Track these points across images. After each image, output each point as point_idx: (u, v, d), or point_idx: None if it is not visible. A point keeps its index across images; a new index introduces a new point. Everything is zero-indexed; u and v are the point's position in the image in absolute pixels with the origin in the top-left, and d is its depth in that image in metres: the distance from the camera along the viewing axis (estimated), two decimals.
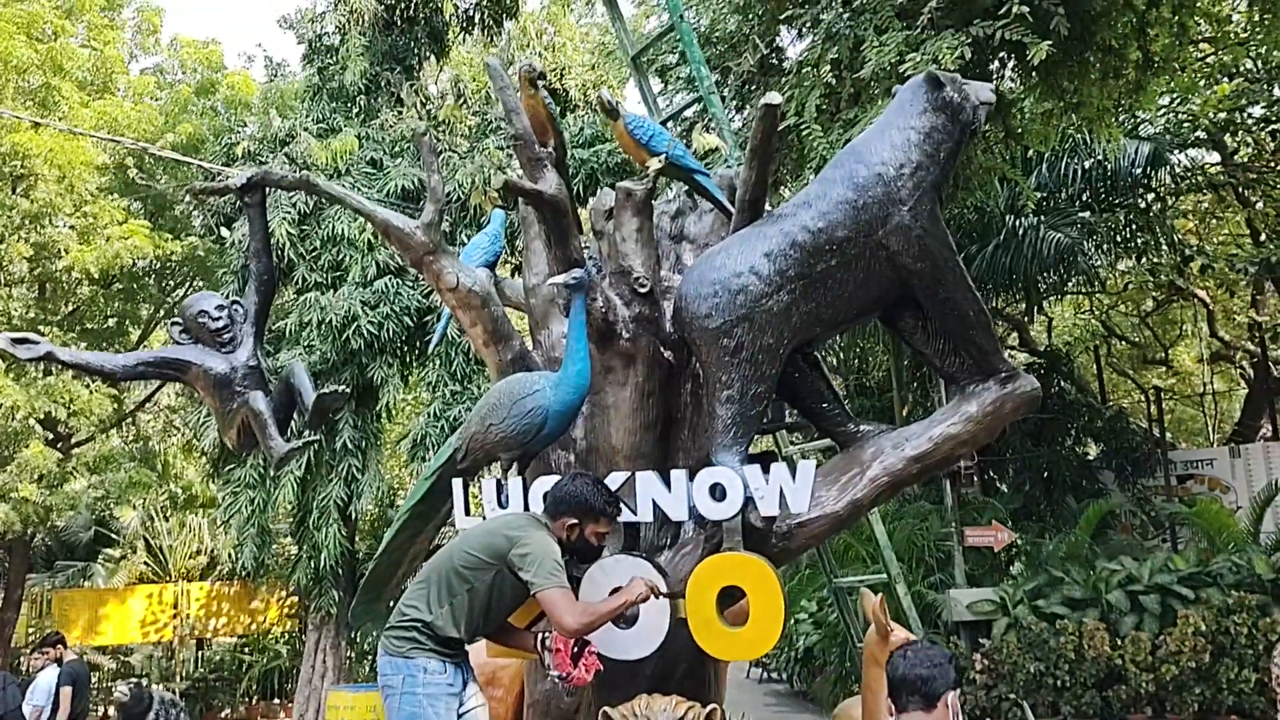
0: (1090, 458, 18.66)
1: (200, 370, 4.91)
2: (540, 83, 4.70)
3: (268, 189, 5.20)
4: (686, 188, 5.17)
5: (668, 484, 4.14)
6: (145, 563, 22.12)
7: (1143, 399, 25.19)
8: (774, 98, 4.23)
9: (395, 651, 3.89)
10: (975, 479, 16.65)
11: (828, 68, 9.09)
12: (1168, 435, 26.15)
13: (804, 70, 9.39)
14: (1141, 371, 26.10)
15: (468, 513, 4.43)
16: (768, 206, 4.65)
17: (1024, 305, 19.20)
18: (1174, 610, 12.89)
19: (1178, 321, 25.39)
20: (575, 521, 3.98)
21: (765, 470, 4.01)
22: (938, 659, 3.12)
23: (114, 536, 22.42)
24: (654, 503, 4.15)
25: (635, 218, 4.54)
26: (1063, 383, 19.01)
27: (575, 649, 3.83)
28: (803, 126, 9.05)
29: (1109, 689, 12.80)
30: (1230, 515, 15.33)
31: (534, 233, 4.95)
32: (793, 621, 17.72)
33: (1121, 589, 13.50)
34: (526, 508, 4.26)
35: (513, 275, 10.86)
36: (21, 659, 17.93)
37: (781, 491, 3.98)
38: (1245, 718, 12.13)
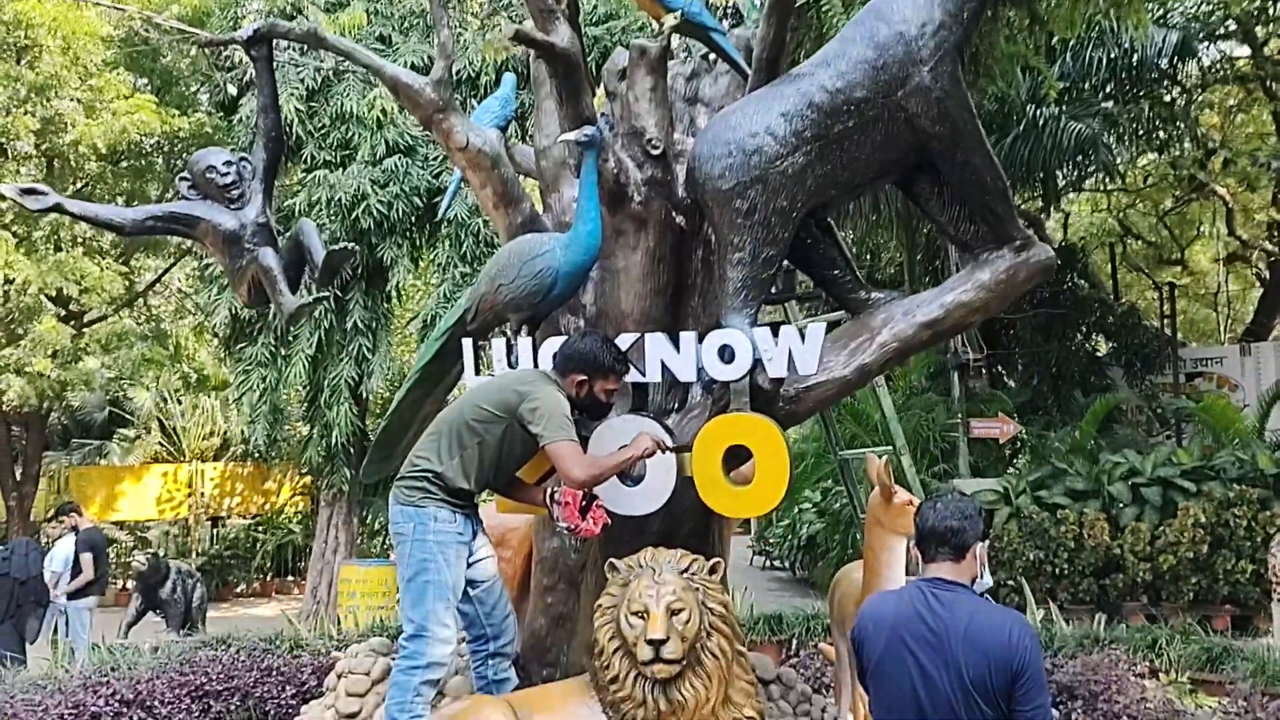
0: (1100, 354, 18.64)
1: (209, 226, 4.88)
2: None
3: (275, 44, 5.10)
4: (703, 49, 5.03)
5: (676, 346, 4.13)
6: (160, 443, 22.41)
7: (1155, 299, 25.10)
8: None
9: (406, 500, 3.94)
10: (984, 372, 16.64)
11: None
12: (1179, 335, 26.14)
13: None
14: (1157, 271, 25.91)
15: (478, 373, 4.44)
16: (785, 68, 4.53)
17: (1041, 200, 18.96)
18: (1175, 503, 13.03)
19: (1195, 220, 25.09)
20: (584, 378, 4.00)
21: (774, 333, 4.00)
22: (968, 511, 3.10)
23: (128, 417, 22.69)
24: (663, 364, 4.15)
25: (649, 76, 4.44)
26: (1076, 279, 18.88)
27: (583, 502, 3.87)
28: (822, 1, 8.81)
29: (1106, 577, 13.02)
30: (1237, 411, 15.40)
31: (545, 92, 4.84)
32: (795, 510, 18.01)
33: (1124, 481, 13.63)
34: (536, 368, 4.26)
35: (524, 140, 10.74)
36: (41, 533, 18.34)
37: (790, 353, 3.97)
38: (1239, 606, 12.34)
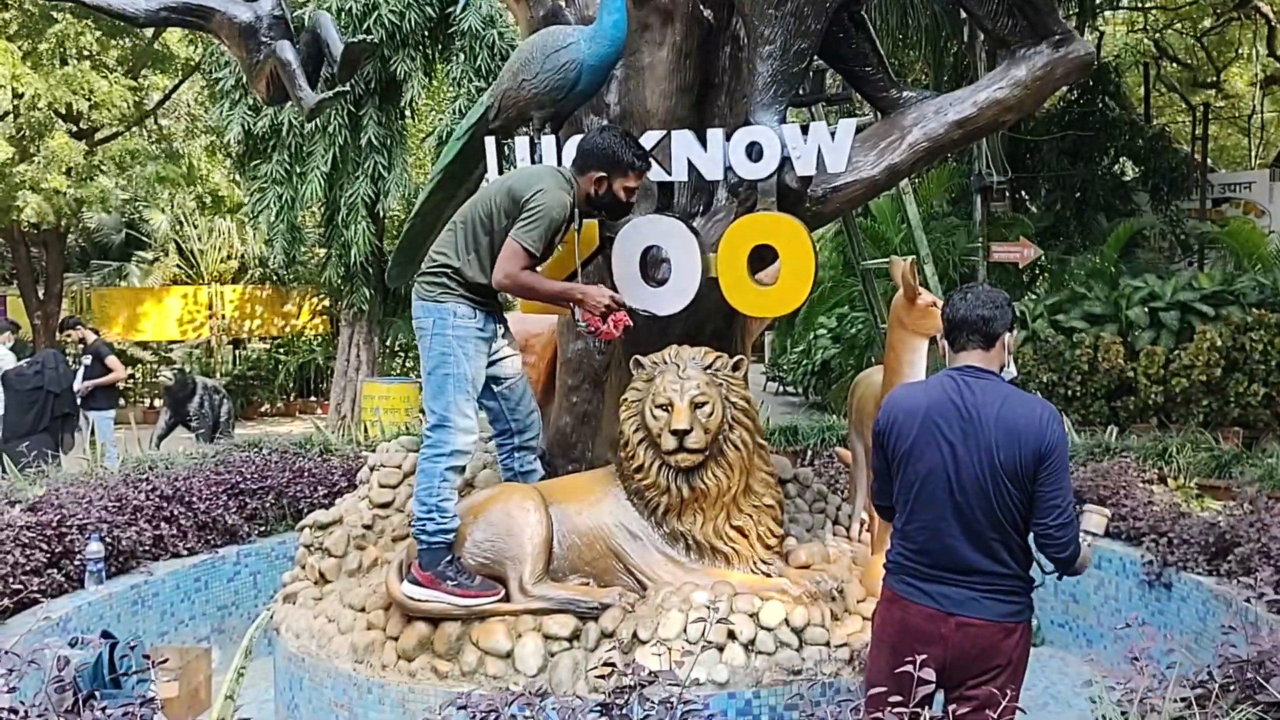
0: (1126, 178, 18.29)
1: (224, 18, 4.74)
2: None
3: None
4: None
5: (704, 144, 4.06)
6: (177, 266, 22.51)
7: (1187, 123, 24.40)
8: None
9: (427, 296, 3.96)
10: (1006, 195, 16.40)
11: None
12: (1209, 160, 25.55)
13: None
14: (1191, 94, 25.12)
15: (500, 173, 4.38)
16: None
17: (1075, 18, 18.21)
18: (1192, 327, 12.99)
19: (1235, 42, 24.13)
20: (603, 175, 3.92)
21: (804, 130, 3.91)
22: (999, 300, 3.09)
23: (145, 240, 22.73)
24: (689, 163, 4.08)
25: None
26: (1106, 101, 18.33)
27: (603, 313, 3.88)
28: None
29: (1118, 400, 13.15)
30: (1261, 236, 15.21)
31: None
32: (811, 336, 18.12)
33: (1142, 306, 13.58)
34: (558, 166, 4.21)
35: None
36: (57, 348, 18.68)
37: (819, 151, 3.90)
38: (1248, 429, 12.50)
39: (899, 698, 2.26)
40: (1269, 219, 17.73)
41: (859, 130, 4.17)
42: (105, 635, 4.36)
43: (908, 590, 3.01)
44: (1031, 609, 3.06)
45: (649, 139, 4.11)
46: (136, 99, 15.15)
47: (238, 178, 15.78)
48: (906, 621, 3.00)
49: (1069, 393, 13.22)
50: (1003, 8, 4.15)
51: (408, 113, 13.41)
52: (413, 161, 16.16)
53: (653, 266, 4.18)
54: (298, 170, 12.77)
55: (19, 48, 13.21)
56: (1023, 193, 18.56)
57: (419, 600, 3.71)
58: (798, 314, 15.88)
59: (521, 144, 4.31)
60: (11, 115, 14.05)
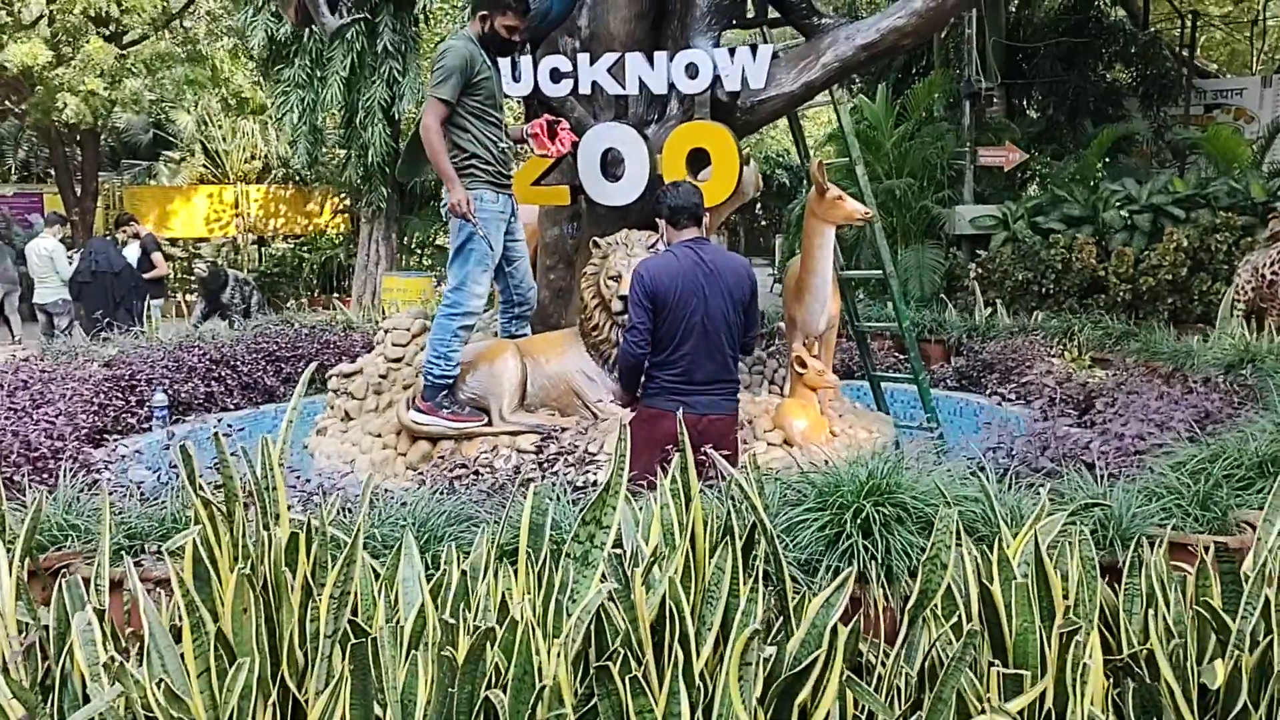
0: (1118, 84, 18.72)
1: None
2: None
3: None
4: None
5: (651, 63, 4.95)
6: (204, 166, 23.35)
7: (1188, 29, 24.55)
8: None
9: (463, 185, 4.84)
10: (994, 101, 16.95)
11: None
12: (1213, 65, 25.73)
13: None
14: None
15: None
16: None
17: None
18: (1164, 229, 13.73)
19: None
20: (485, 13, 4.79)
21: (731, 53, 4.80)
22: (699, 191, 4.35)
23: (172, 140, 23.54)
24: (640, 79, 4.98)
25: None
26: (1102, 5, 18.68)
27: (549, 129, 4.84)
28: None
29: (1089, 297, 13.98)
30: (1241, 142, 15.73)
31: None
32: None
33: (1119, 209, 14.29)
34: (536, 83, 5.11)
35: None
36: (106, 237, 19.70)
37: (744, 70, 4.79)
38: (1210, 325, 13.31)
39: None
40: (1258, 125, 18.19)
41: (781, 53, 5.04)
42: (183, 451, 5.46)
43: (670, 404, 4.07)
44: (738, 404, 4.38)
45: (607, 59, 5.01)
46: (163, 4, 15.88)
47: (260, 80, 16.56)
48: (670, 428, 4.05)
49: (1043, 290, 14.01)
50: None
51: (421, 20, 14.12)
52: (426, 66, 16.88)
53: (612, 165, 5.11)
54: (318, 75, 13.55)
55: None
56: (1019, 99, 19.04)
57: (422, 424, 4.78)
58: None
59: (504, 64, 5.20)
60: (47, 20, 14.84)
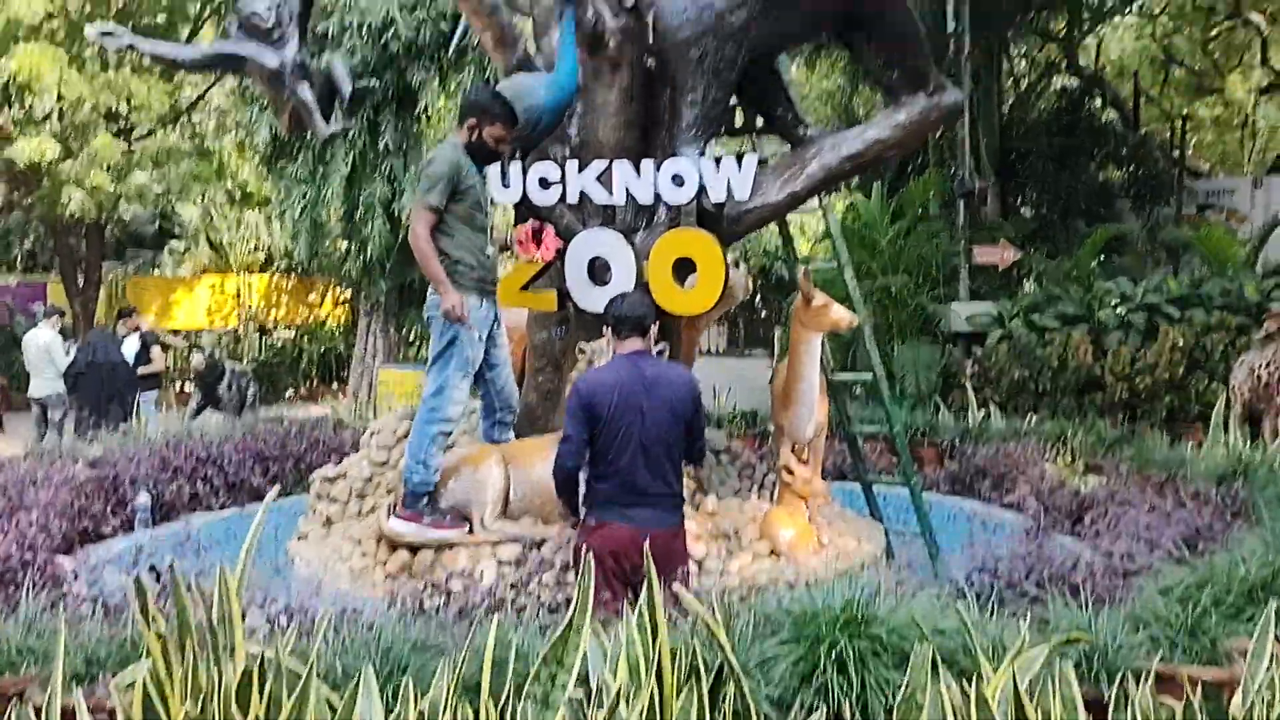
0: (1110, 184, 19.01)
1: (256, 65, 5.73)
2: None
3: None
4: None
5: (638, 172, 5.00)
6: (208, 256, 23.61)
7: (1180, 129, 25.03)
8: None
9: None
10: (988, 199, 17.18)
11: None
12: (1205, 164, 26.14)
13: None
14: (1196, 98, 25.72)
15: None
16: None
17: (1077, 27, 18.96)
18: (1159, 328, 13.77)
19: (1241, 47, 24.68)
20: (474, 121, 4.87)
21: (717, 163, 4.86)
22: (647, 302, 4.44)
23: (177, 230, 23.84)
24: (626, 188, 5.03)
25: None
26: (1094, 107, 19.07)
27: (534, 235, 4.87)
28: None
29: (1086, 396, 13.94)
30: (1233, 241, 15.90)
31: None
32: None
33: (1113, 308, 14.36)
34: (525, 190, 5.16)
35: None
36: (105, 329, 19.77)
37: (729, 180, 4.84)
38: (1208, 425, 13.24)
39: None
40: (1250, 225, 18.41)
41: (769, 159, 5.11)
42: (151, 570, 5.37)
43: (611, 517, 4.07)
44: (684, 516, 4.31)
45: (595, 168, 5.07)
46: (172, 101, 16.22)
47: (266, 172, 16.84)
48: (614, 538, 4.04)
49: (1040, 388, 14.00)
50: (889, 63, 5.08)
51: (423, 119, 14.40)
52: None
53: (599, 270, 5.13)
54: (320, 171, 13.79)
55: (66, 53, 14.30)
56: (1013, 197, 19.31)
57: (400, 533, 4.71)
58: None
59: (493, 170, 5.25)
60: (57, 116, 15.14)
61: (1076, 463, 6.60)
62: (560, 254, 4.91)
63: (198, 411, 13.47)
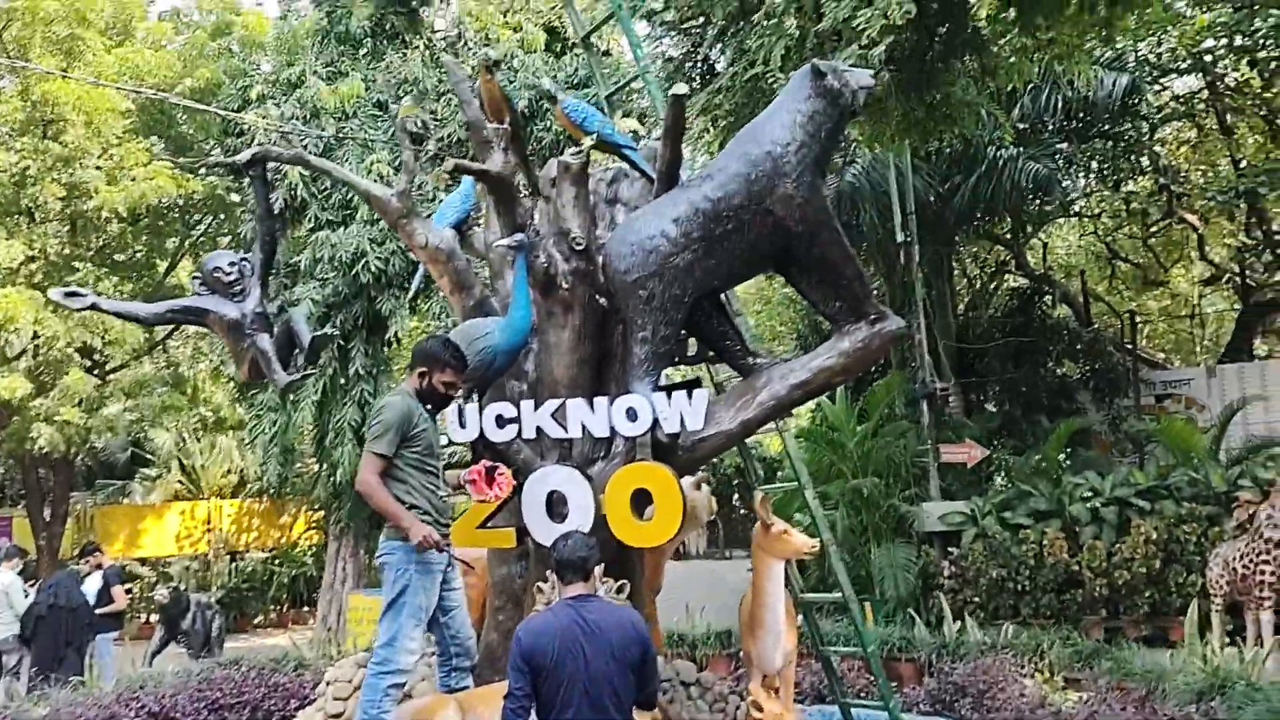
0: (1069, 379, 19.45)
1: (217, 316, 5.91)
2: (495, 70, 5.57)
3: (268, 162, 6.14)
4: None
5: (593, 408, 5.11)
6: (180, 482, 23.44)
7: (1131, 322, 25.84)
8: (680, 89, 5.10)
9: (394, 535, 4.89)
10: (949, 400, 17.49)
11: (791, 20, 9.75)
12: (1162, 354, 26.85)
13: (771, 21, 10.06)
14: (1143, 292, 26.66)
15: None
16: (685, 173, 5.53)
17: (1009, 233, 19.87)
18: (1131, 521, 13.77)
19: (1181, 242, 25.86)
20: (425, 370, 4.97)
21: (669, 397, 4.97)
22: (590, 544, 4.34)
23: (149, 457, 23.75)
24: (582, 424, 5.12)
25: (572, 186, 5.44)
26: (1044, 307, 19.75)
27: (487, 475, 4.85)
28: (769, 75, 9.80)
29: (1066, 593, 13.78)
30: (1194, 431, 16.12)
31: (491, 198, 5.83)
32: None
33: (1083, 502, 14.38)
34: (481, 430, 5.24)
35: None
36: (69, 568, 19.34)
37: (681, 414, 4.94)
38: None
39: None
40: (1209, 414, 18.75)
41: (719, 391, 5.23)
42: None
43: None
44: None
45: (550, 405, 5.17)
46: (147, 335, 16.50)
47: (238, 397, 16.98)
48: None
49: (1019, 587, 13.83)
50: (829, 295, 5.30)
51: (392, 344, 14.70)
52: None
53: (557, 505, 5.15)
54: (291, 398, 13.91)
55: (43, 292, 14.64)
56: (975, 395, 19.69)
57: None
58: None
59: (451, 411, 5.35)
60: (32, 354, 15.34)
61: (1056, 677, 6.48)
62: (517, 490, 4.94)
63: (160, 647, 13.07)
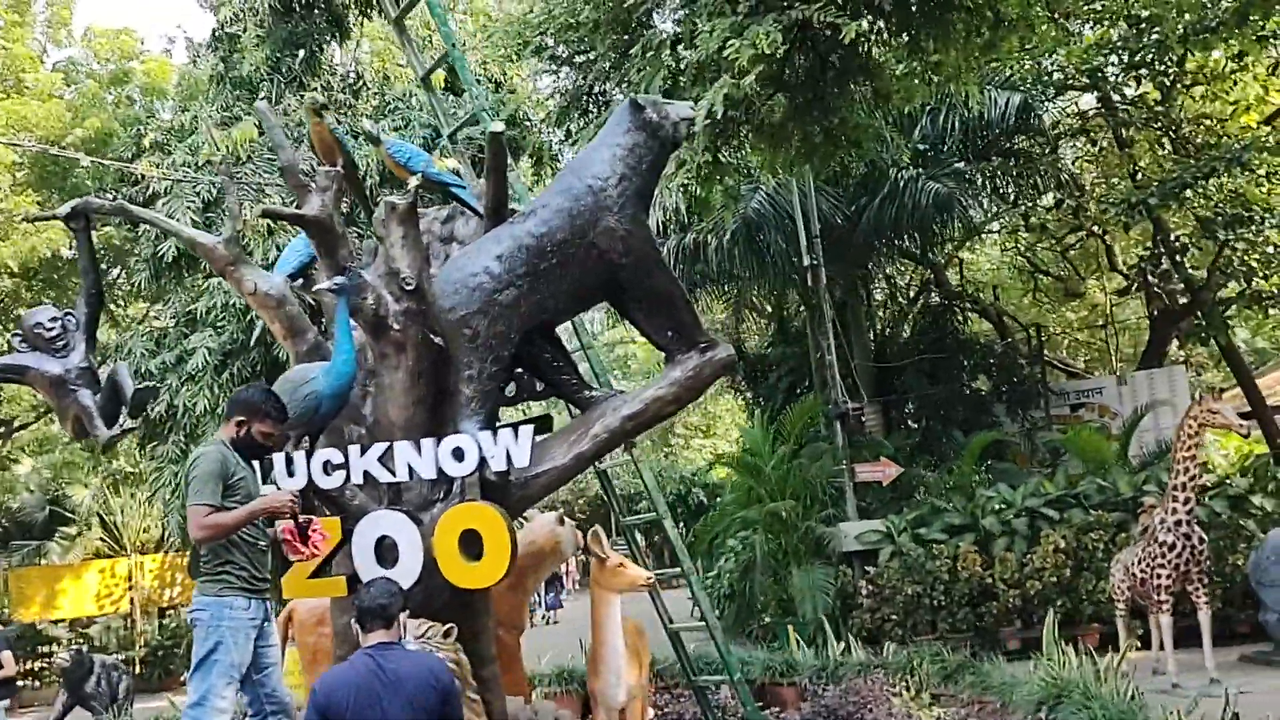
0: (983, 393, 19.71)
1: (37, 373, 5.77)
2: (325, 113, 5.54)
3: (96, 214, 6.05)
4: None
5: (419, 450, 5.04)
6: (100, 538, 22.86)
7: (1058, 332, 26.33)
8: (498, 126, 5.10)
9: (208, 591, 4.77)
10: (865, 419, 17.63)
11: (667, 51, 9.83)
12: (1081, 364, 27.35)
13: (647, 54, 10.15)
14: (1063, 304, 27.13)
15: (264, 481, 5.30)
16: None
17: (931, 250, 20.15)
18: (1041, 531, 13.90)
19: (1095, 255, 26.39)
20: (243, 419, 4.89)
21: (494, 435, 4.93)
22: (393, 590, 4.33)
23: (69, 515, 23.15)
24: (409, 466, 5.05)
25: (400, 226, 5.38)
26: (957, 323, 20.04)
27: (300, 532, 4.75)
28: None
29: (981, 606, 13.85)
30: (1102, 440, 16.40)
31: None
32: (720, 561, 18.73)
33: (995, 514, 14.50)
34: (309, 477, 5.14)
35: None
36: None
37: (508, 451, 4.89)
38: (1105, 624, 13.20)
39: None
40: (1121, 421, 19.11)
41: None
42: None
43: None
44: None
45: (377, 449, 5.09)
46: None
47: (139, 452, 16.61)
48: None
49: (934, 602, 13.87)
50: (661, 325, 5.30)
51: None
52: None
53: (388, 551, 5.06)
54: (193, 449, 13.62)
55: None
56: (896, 412, 19.86)
57: None
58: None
59: (279, 459, 5.24)
60: None
61: (922, 694, 6.50)
62: (345, 541, 4.84)
63: (64, 713, 12.69)
